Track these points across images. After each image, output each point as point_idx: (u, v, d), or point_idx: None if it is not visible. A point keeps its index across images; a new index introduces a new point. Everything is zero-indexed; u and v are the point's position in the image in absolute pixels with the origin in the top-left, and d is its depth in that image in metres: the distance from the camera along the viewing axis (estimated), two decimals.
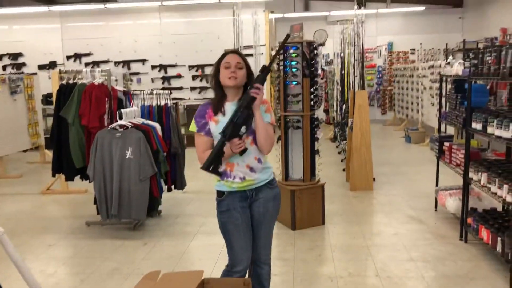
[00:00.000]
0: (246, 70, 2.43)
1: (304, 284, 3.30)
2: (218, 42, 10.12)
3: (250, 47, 7.73)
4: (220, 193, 2.50)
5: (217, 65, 2.43)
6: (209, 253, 3.86)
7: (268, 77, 10.55)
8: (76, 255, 4.05)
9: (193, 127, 2.48)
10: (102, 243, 4.21)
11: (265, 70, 2.37)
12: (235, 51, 2.50)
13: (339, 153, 8.07)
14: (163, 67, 10.74)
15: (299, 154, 4.47)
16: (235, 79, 2.37)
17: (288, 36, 2.61)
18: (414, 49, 13.10)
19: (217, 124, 2.40)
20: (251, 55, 7.61)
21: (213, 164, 2.34)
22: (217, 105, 2.42)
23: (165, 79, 10.78)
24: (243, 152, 2.34)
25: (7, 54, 10.94)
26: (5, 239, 2.50)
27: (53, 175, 5.20)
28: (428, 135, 9.10)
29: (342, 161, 7.29)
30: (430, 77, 9.23)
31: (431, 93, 9.15)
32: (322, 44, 12.49)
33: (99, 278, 3.49)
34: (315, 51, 4.42)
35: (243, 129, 2.33)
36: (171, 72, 10.80)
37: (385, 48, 13.28)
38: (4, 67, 10.86)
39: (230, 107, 2.40)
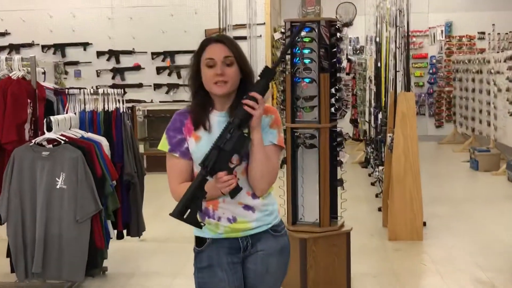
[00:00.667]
0: (239, 65, 2.35)
1: None
2: (196, 19, 10.22)
3: (242, 26, 7.79)
4: (199, 241, 2.46)
5: (196, 59, 2.38)
6: None
7: None
8: None
9: (164, 145, 2.45)
10: None
11: (268, 73, 2.33)
12: (221, 38, 2.43)
13: (373, 184, 8.08)
14: (114, 54, 10.81)
15: (313, 185, 4.48)
16: (224, 84, 2.32)
17: (303, 24, 2.62)
18: (483, 33, 13.24)
19: (198, 143, 2.38)
20: (244, 38, 7.66)
21: (188, 210, 2.26)
22: (199, 116, 2.40)
23: (117, 71, 10.84)
24: (235, 193, 2.27)
25: None
26: None
27: None
28: (505, 158, 9.13)
29: (377, 196, 7.30)
30: (507, 73, 9.30)
31: (509, 97, 9.20)
32: (349, 24, 12.60)
33: None
34: (339, 34, 4.46)
35: (234, 159, 2.27)
36: (125, 61, 10.86)
37: (442, 31, 13.43)
38: None
39: (217, 118, 2.39)
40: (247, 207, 2.39)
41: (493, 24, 13.10)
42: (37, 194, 4.25)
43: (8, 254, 4.45)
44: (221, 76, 2.29)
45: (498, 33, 13.06)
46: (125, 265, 5.17)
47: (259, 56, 9.03)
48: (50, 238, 4.24)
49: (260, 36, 9.61)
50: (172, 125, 2.45)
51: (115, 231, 4.87)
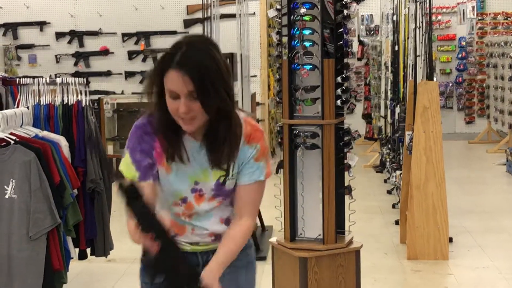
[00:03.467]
0: (214, 100, 2.24)
1: None
2: None
3: (231, 1, 7.80)
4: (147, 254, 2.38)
5: (159, 76, 2.28)
6: None
7: (263, 56, 10.62)
8: None
9: (129, 171, 2.39)
10: None
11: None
12: (183, 64, 2.22)
13: (389, 192, 8.10)
14: (76, 35, 10.82)
15: (315, 194, 4.50)
16: (191, 121, 2.29)
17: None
18: None
19: (170, 173, 2.41)
20: (233, 16, 7.65)
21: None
22: (173, 147, 2.38)
23: (80, 56, 10.85)
24: None
25: None
26: None
27: None
28: None
29: (394, 206, 7.31)
30: None
31: None
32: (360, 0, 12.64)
33: None
34: (346, 11, 4.48)
35: None
36: (90, 45, 10.87)
37: (473, 7, 13.46)
38: None
39: (191, 144, 2.41)
40: (218, 237, 2.50)
41: None
42: None
43: None
44: (186, 114, 2.24)
45: None
46: (85, 286, 5.18)
47: (253, 39, 9.00)
48: (11, 256, 4.25)
49: (254, 13, 9.60)
50: (139, 146, 2.42)
51: (77, 250, 4.87)
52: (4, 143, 4.29)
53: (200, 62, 2.23)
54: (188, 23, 10.56)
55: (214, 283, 2.26)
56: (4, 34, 10.78)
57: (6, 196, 4.24)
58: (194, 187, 2.44)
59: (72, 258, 4.76)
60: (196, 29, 10.28)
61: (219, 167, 2.39)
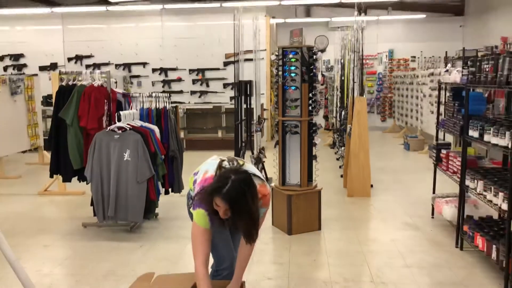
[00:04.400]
0: (236, 214, 2.18)
1: None
2: (219, 47, 10.19)
3: (250, 51, 7.74)
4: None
5: (210, 196, 2.20)
6: None
7: (268, 82, 10.49)
8: (72, 256, 4.05)
9: (204, 222, 2.31)
10: (98, 245, 4.21)
11: None
12: (227, 198, 2.14)
13: (337, 159, 8.08)
14: (163, 70, 10.79)
15: (296, 159, 4.49)
16: (225, 217, 2.22)
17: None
18: (414, 57, 13.15)
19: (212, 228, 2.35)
20: (251, 59, 7.62)
21: None
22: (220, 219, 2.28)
23: (166, 82, 10.82)
24: None
25: (9, 55, 10.99)
26: (0, 237, 2.52)
27: (51, 176, 5.21)
28: (427, 142, 9.10)
29: (340, 167, 7.30)
30: (430, 84, 9.26)
31: (430, 100, 9.17)
32: (323, 50, 12.54)
33: (94, 279, 3.49)
34: (315, 57, 4.44)
35: None
36: (171, 75, 10.84)
37: (386, 55, 13.34)
38: (5, 68, 10.91)
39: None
40: None
41: (421, 51, 13.00)
42: (111, 164, 4.27)
43: (92, 204, 4.50)
44: (223, 216, 2.20)
45: (424, 57, 12.98)
46: (170, 212, 5.20)
47: (262, 72, 9.01)
48: (119, 193, 4.26)
49: (263, 58, 9.56)
50: (209, 215, 2.28)
51: (164, 189, 4.89)
52: (123, 129, 4.31)
53: (236, 200, 2.14)
54: (225, 64, 10.50)
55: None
56: (123, 69, 10.77)
57: (124, 159, 4.26)
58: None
59: (161, 193, 4.77)
60: (231, 67, 10.26)
61: (247, 241, 2.33)
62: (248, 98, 6.16)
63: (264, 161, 6.06)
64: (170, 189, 4.99)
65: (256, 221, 2.23)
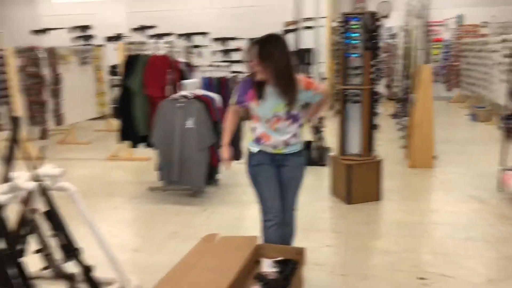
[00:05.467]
0: (267, 62, 2.40)
1: (355, 256, 3.32)
2: (279, 15, 10.07)
3: (310, 19, 7.61)
4: (252, 151, 2.72)
5: (249, 52, 2.49)
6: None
7: (327, 50, 10.25)
8: (139, 218, 4.30)
9: (232, 100, 2.72)
10: (163, 208, 4.43)
11: None
12: (258, 41, 2.43)
13: (399, 130, 7.86)
14: (223, 40, 10.85)
15: (357, 128, 4.43)
16: (260, 73, 2.45)
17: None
18: (486, 22, 12.33)
19: (258, 106, 2.58)
20: (311, 27, 7.49)
21: None
22: (260, 92, 2.54)
23: (225, 52, 10.89)
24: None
25: (78, 26, 11.46)
26: (78, 198, 2.72)
27: (120, 142, 5.49)
28: (496, 113, 8.63)
29: (402, 138, 7.11)
30: (501, 51, 8.69)
31: (501, 68, 8.62)
32: (386, 16, 12.04)
33: (160, 240, 3.70)
34: (378, 23, 4.30)
35: None
36: (231, 45, 10.88)
37: (454, 21, 12.61)
38: (74, 39, 11.41)
39: (270, 90, 2.53)
40: (287, 144, 2.63)
41: (493, 16, 12.17)
42: (175, 131, 4.43)
43: (157, 169, 4.71)
44: (253, 67, 2.45)
45: (497, 23, 12.14)
46: (231, 178, 5.30)
47: (321, 40, 8.84)
48: (183, 159, 4.43)
49: (323, 26, 9.36)
50: (240, 90, 2.65)
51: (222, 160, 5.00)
52: (187, 98, 4.43)
53: (265, 47, 2.42)
54: (285, 32, 10.38)
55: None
56: (185, 39, 10.92)
57: (187, 126, 4.40)
58: (274, 114, 2.56)
59: (221, 160, 4.89)
60: (289, 35, 10.16)
61: (287, 103, 2.51)
62: (308, 66, 6.10)
63: (323, 131, 6.03)
64: None
65: (287, 76, 2.45)
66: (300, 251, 2.44)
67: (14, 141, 2.36)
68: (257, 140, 2.64)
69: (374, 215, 4.14)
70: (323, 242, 3.55)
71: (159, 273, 3.03)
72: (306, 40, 6.68)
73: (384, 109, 8.63)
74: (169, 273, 2.28)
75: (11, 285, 2.06)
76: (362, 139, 4.40)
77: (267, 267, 2.37)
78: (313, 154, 5.84)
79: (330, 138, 6.23)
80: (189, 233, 3.78)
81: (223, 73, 5.02)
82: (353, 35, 4.25)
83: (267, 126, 2.59)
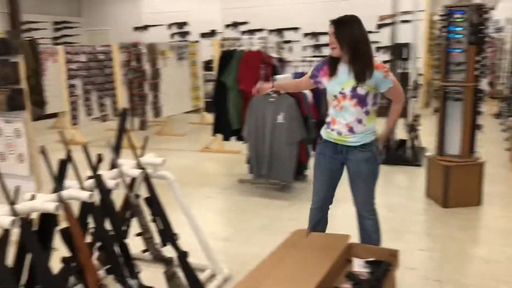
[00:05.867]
0: (340, 40, 2.53)
1: (452, 263, 3.14)
2: (373, 8, 9.77)
3: (408, 13, 7.28)
4: (320, 138, 2.81)
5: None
6: (353, 222, 3.87)
7: (424, 45, 9.72)
8: (230, 208, 4.43)
9: (308, 72, 2.85)
10: (253, 200, 4.52)
11: None
12: (333, 21, 2.58)
13: (503, 131, 7.29)
14: (315, 34, 10.77)
15: (457, 128, 4.17)
16: (333, 49, 2.57)
17: None
18: None
19: (329, 82, 2.67)
20: (407, 21, 7.16)
21: None
22: (332, 68, 2.64)
23: (317, 47, 10.81)
24: None
25: (175, 23, 12.03)
26: (175, 186, 2.87)
27: (213, 135, 5.69)
28: None
29: (506, 140, 6.58)
30: None
31: None
32: (493, 8, 11.19)
33: (250, 230, 3.78)
34: (485, 16, 4.01)
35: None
36: (322, 39, 10.77)
37: None
38: (172, 35, 12.00)
39: (342, 68, 2.62)
40: (351, 130, 2.62)
41: None
42: (266, 126, 4.49)
43: (247, 162, 4.81)
44: (330, 45, 2.58)
45: None
46: None
47: (419, 35, 8.43)
48: (273, 153, 4.48)
49: (421, 20, 8.92)
50: (316, 67, 2.79)
51: (313, 152, 4.98)
52: (278, 93, 4.46)
53: (341, 25, 2.55)
54: (379, 26, 10.07)
55: (386, 135, 2.69)
56: (277, 35, 11.00)
57: (278, 121, 4.43)
58: (341, 91, 2.61)
59: (311, 156, 4.88)
60: (384, 30, 9.84)
61: (358, 79, 2.54)
62: (404, 62, 5.86)
63: (418, 129, 5.77)
64: None
65: (361, 53, 2.53)
66: (394, 253, 2.36)
67: (121, 131, 2.55)
68: (327, 126, 2.72)
69: (473, 220, 3.88)
70: (417, 245, 3.40)
71: (248, 264, 3.11)
72: (403, 34, 6.41)
73: (487, 108, 8.02)
74: (260, 265, 2.32)
75: (115, 262, 2.23)
76: (463, 139, 4.14)
77: (359, 266, 2.32)
78: (407, 154, 5.61)
79: (426, 137, 5.94)
80: (278, 227, 3.82)
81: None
82: (457, 29, 4.00)
83: (334, 106, 2.66)
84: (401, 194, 4.62)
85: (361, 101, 2.58)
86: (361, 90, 2.55)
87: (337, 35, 2.52)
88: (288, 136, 4.41)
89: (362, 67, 2.52)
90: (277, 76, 4.63)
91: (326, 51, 10.62)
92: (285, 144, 4.42)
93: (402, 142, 5.91)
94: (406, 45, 5.91)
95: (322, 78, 2.71)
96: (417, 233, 3.65)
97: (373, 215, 2.80)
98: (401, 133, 6.01)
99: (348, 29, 2.52)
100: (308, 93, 4.73)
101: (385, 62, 9.73)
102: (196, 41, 9.80)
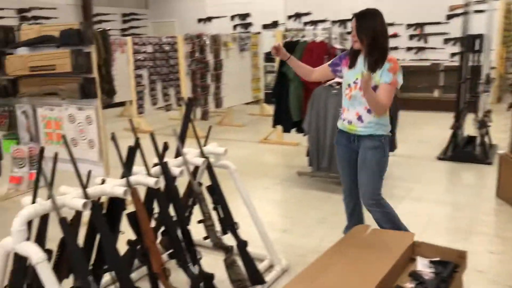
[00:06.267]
0: (360, 34, 2.62)
1: None
2: None
3: (482, 2, 6.90)
4: (338, 129, 2.96)
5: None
6: (417, 220, 3.74)
7: (499, 36, 9.23)
8: (288, 199, 4.42)
9: (329, 61, 2.99)
10: (311, 193, 4.48)
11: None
12: (356, 15, 2.67)
13: None
14: None
15: None
16: (355, 42, 2.68)
17: None
18: None
19: (347, 72, 2.81)
20: (482, 11, 6.77)
21: None
22: (353, 60, 2.78)
23: None
24: None
25: (237, 14, 12.12)
26: (236, 176, 2.90)
27: (273, 126, 5.69)
28: None
29: None
30: None
31: None
32: None
33: (308, 223, 3.75)
34: None
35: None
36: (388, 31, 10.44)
37: None
38: (234, 27, 12.10)
39: (360, 60, 2.74)
40: (360, 118, 2.74)
41: None
42: (328, 118, 4.41)
43: (307, 154, 4.76)
44: (353, 37, 2.68)
45: None
46: None
47: (493, 25, 7.94)
48: (334, 146, 4.40)
49: (496, 9, 8.40)
50: (339, 56, 2.94)
51: None
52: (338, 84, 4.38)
53: (363, 19, 2.65)
54: (449, 16, 9.61)
55: (365, 85, 2.51)
56: (339, 26, 10.78)
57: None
58: (355, 81, 2.74)
59: None
60: (454, 21, 9.39)
61: (370, 69, 2.64)
62: (477, 54, 5.55)
63: (489, 126, 5.46)
64: None
65: (379, 48, 2.63)
66: (462, 254, 2.25)
67: (187, 120, 2.60)
68: (340, 116, 2.90)
69: None
70: (486, 248, 3.22)
71: (306, 256, 3.10)
72: (476, 25, 6.07)
73: None
74: (319, 259, 2.30)
75: (178, 248, 2.29)
76: None
77: (423, 266, 2.24)
78: (476, 151, 5.33)
79: (497, 134, 5.62)
80: (337, 221, 3.76)
81: None
82: None
83: (345, 95, 2.80)
84: (469, 192, 4.40)
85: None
86: (371, 83, 2.66)
87: (358, 28, 2.63)
88: None
89: (376, 58, 2.65)
90: None
91: (391, 42, 10.29)
92: None
93: (471, 139, 5.62)
94: (478, 36, 5.58)
95: (343, 67, 2.86)
96: (486, 234, 3.46)
97: (379, 207, 2.85)
98: (470, 129, 5.72)
99: (369, 22, 2.63)
100: None
101: (454, 54, 9.30)
102: (258, 32, 9.83)
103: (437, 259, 2.26)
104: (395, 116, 4.92)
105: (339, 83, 4.39)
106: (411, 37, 10.16)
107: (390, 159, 5.56)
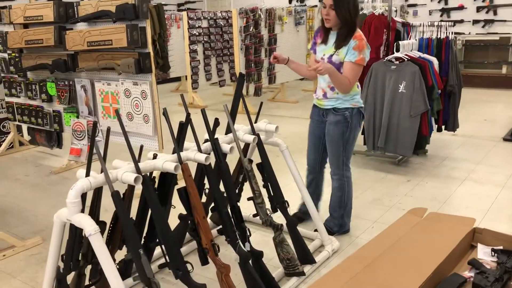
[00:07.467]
0: (337, 11, 2.61)
1: None
2: None
3: None
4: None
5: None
6: (478, 203, 3.55)
7: None
8: None
9: (309, 45, 2.95)
10: (366, 173, 4.36)
11: None
12: None
13: None
14: None
15: None
16: (328, 21, 2.68)
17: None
18: None
19: (318, 47, 2.84)
20: None
21: None
22: (324, 36, 2.81)
23: (445, 11, 9.92)
24: None
25: None
26: (287, 154, 2.84)
27: None
28: None
29: None
30: None
31: None
32: None
33: (361, 204, 3.65)
34: None
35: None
36: (452, 3, 9.85)
37: None
38: (290, 0, 11.86)
39: (332, 36, 2.77)
40: (325, 95, 2.86)
41: None
42: (385, 95, 4.25)
43: (362, 132, 4.62)
44: (325, 16, 2.67)
45: None
46: (440, 150, 4.95)
47: None
48: (391, 124, 4.25)
49: None
50: (315, 34, 2.92)
51: (436, 126, 4.65)
52: (401, 60, 4.19)
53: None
54: None
55: (323, 66, 2.57)
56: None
57: (399, 91, 4.17)
58: (322, 56, 2.79)
59: (433, 130, 4.56)
60: None
61: (336, 47, 2.70)
62: None
63: None
64: (443, 126, 4.73)
65: (350, 24, 2.65)
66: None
67: (238, 96, 2.56)
68: (315, 91, 2.98)
69: None
70: None
71: (358, 237, 3.03)
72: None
73: None
74: (372, 241, 2.22)
75: (227, 224, 2.29)
76: None
77: (484, 254, 2.11)
78: None
79: None
80: (392, 203, 3.64)
81: (444, 33, 4.56)
82: None
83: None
84: None
85: (335, 68, 2.68)
86: (336, 59, 2.71)
87: (335, 7, 2.61)
88: (410, 107, 4.13)
89: (345, 34, 2.66)
90: (401, 42, 4.33)
91: (456, 15, 9.73)
92: (406, 115, 4.15)
93: None
94: None
95: (317, 46, 2.85)
96: None
97: (338, 183, 2.96)
98: None
99: (345, 2, 2.61)
100: (434, 60, 4.36)
101: None
102: (315, 6, 9.56)
103: (500, 247, 2.12)
104: (458, 93, 4.67)
105: (399, 58, 4.20)
106: (478, 9, 9.53)
107: (450, 139, 5.34)
